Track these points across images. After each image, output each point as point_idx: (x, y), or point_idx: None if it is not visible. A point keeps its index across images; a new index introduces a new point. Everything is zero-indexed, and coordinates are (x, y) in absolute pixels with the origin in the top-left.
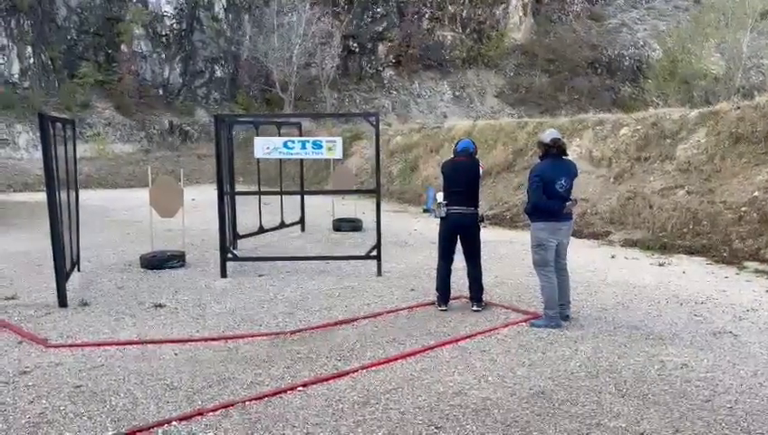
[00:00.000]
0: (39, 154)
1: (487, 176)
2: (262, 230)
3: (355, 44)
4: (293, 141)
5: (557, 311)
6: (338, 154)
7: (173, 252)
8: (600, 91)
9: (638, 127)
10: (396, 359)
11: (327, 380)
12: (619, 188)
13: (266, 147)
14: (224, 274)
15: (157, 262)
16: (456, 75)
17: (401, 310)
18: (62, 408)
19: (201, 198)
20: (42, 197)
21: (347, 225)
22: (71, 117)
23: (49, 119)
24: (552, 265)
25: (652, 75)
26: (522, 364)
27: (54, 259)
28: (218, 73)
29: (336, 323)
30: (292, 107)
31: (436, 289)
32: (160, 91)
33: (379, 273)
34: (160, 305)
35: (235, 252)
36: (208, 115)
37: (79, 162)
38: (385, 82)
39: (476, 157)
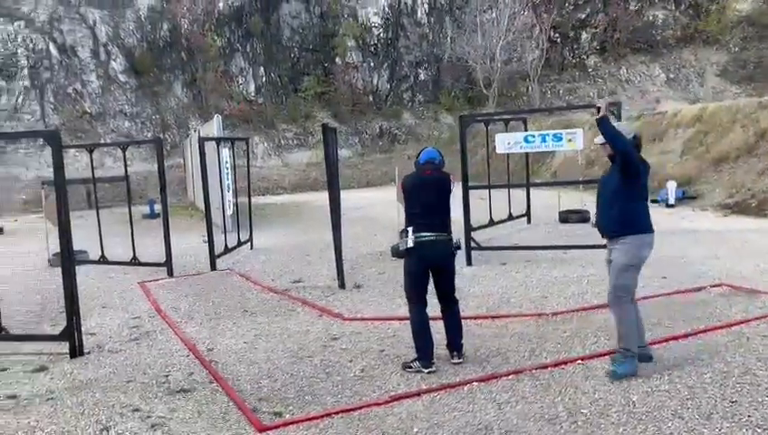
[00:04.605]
0: (273, 161)
1: (724, 161)
2: (492, 223)
3: (556, 35)
4: (533, 135)
5: None
6: (579, 145)
7: None
8: None
9: None
10: (667, 340)
11: (602, 355)
12: None
13: (508, 142)
14: (469, 262)
15: (404, 252)
16: (669, 56)
17: (659, 296)
18: (376, 367)
19: None
20: (282, 199)
21: (575, 216)
22: (297, 127)
23: (329, 129)
24: None
25: None
26: None
27: (335, 249)
28: (422, 77)
29: (594, 307)
30: (495, 104)
31: (417, 349)
32: (370, 98)
33: None
34: None
35: (478, 242)
36: (414, 117)
37: (308, 168)
38: (589, 70)
39: (444, 170)
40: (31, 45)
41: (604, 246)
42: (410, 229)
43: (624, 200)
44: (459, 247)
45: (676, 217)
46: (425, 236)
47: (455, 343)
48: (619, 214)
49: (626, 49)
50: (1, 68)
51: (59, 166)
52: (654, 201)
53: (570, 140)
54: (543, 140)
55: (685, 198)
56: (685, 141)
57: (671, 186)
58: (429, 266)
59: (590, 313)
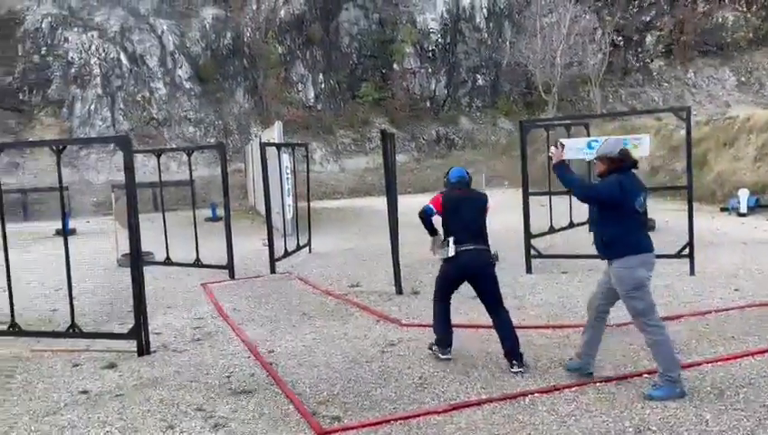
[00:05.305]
0: (331, 167)
1: None
2: (552, 230)
3: (620, 38)
4: (597, 141)
5: None
6: (644, 151)
7: None
8: None
9: None
10: (741, 356)
11: None
12: None
13: (570, 148)
14: (529, 270)
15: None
16: (740, 59)
17: (731, 309)
18: (435, 374)
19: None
20: (340, 203)
21: None
22: (355, 133)
23: (388, 135)
24: None
25: None
26: None
27: (393, 254)
28: (480, 82)
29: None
30: (555, 108)
31: (435, 332)
32: (428, 103)
33: (692, 272)
34: None
35: (538, 249)
36: (471, 123)
37: (365, 173)
38: (654, 74)
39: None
40: (103, 54)
41: (668, 256)
42: (451, 239)
43: (607, 222)
44: (497, 259)
45: (748, 226)
46: (465, 246)
47: (513, 352)
48: (603, 236)
49: (693, 52)
50: (76, 76)
51: (129, 170)
52: (724, 209)
53: (635, 147)
54: None
55: (758, 206)
56: (758, 147)
57: (743, 194)
58: (467, 274)
59: None
